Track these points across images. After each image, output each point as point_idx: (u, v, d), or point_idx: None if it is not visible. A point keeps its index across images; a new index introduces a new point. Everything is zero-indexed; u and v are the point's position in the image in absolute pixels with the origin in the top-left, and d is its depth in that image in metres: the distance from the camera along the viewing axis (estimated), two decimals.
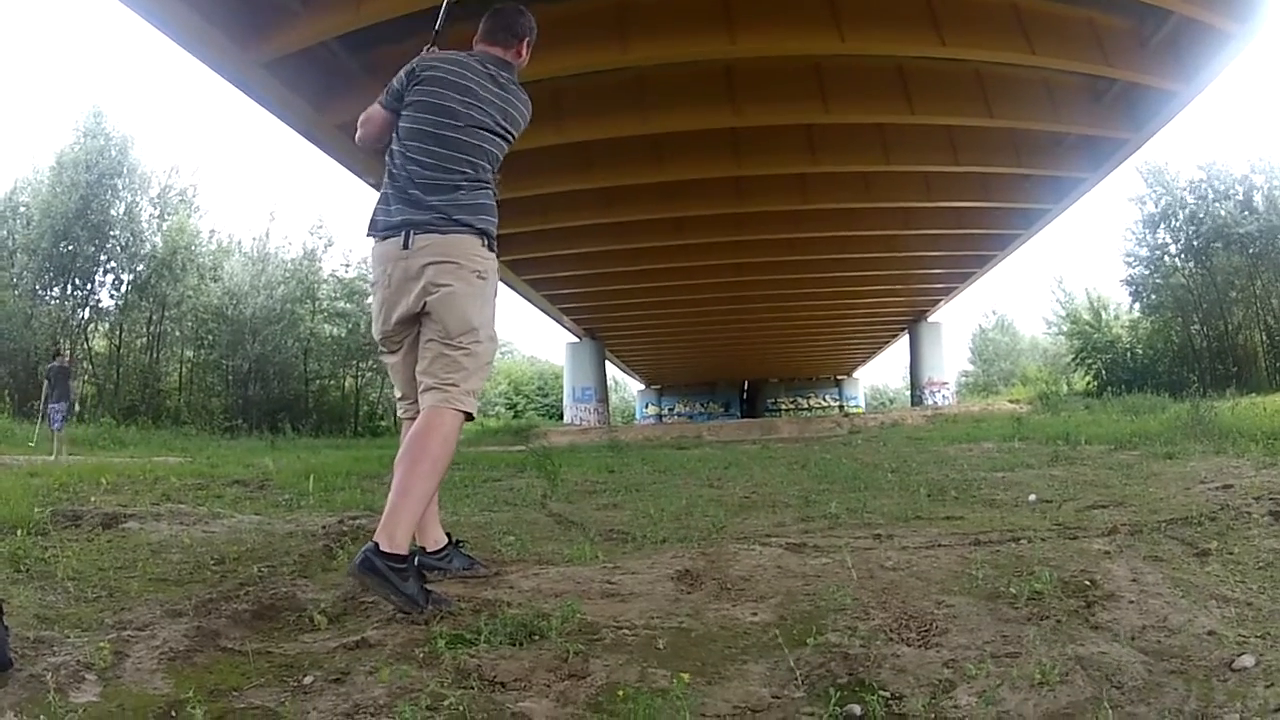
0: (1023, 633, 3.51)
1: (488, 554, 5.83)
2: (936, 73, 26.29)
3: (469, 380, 4.65)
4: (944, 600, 4.05)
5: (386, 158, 4.97)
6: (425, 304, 4.66)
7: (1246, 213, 44.45)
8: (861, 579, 4.57)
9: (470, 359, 4.66)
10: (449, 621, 3.95)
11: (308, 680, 3.30)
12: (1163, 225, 49.85)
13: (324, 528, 7.13)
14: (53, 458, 19.52)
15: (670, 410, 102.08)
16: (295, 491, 10.96)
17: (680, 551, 5.68)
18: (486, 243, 4.81)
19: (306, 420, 44.51)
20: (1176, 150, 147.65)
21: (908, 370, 68.83)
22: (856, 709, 2.93)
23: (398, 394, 5.21)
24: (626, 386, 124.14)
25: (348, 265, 55.93)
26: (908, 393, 74.23)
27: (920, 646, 3.48)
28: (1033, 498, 7.93)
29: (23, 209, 45.64)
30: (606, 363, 72.53)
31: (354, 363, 54.95)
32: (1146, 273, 51.03)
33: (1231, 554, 4.84)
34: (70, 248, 44.27)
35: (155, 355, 48.62)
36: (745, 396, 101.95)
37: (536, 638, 3.70)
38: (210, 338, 50.26)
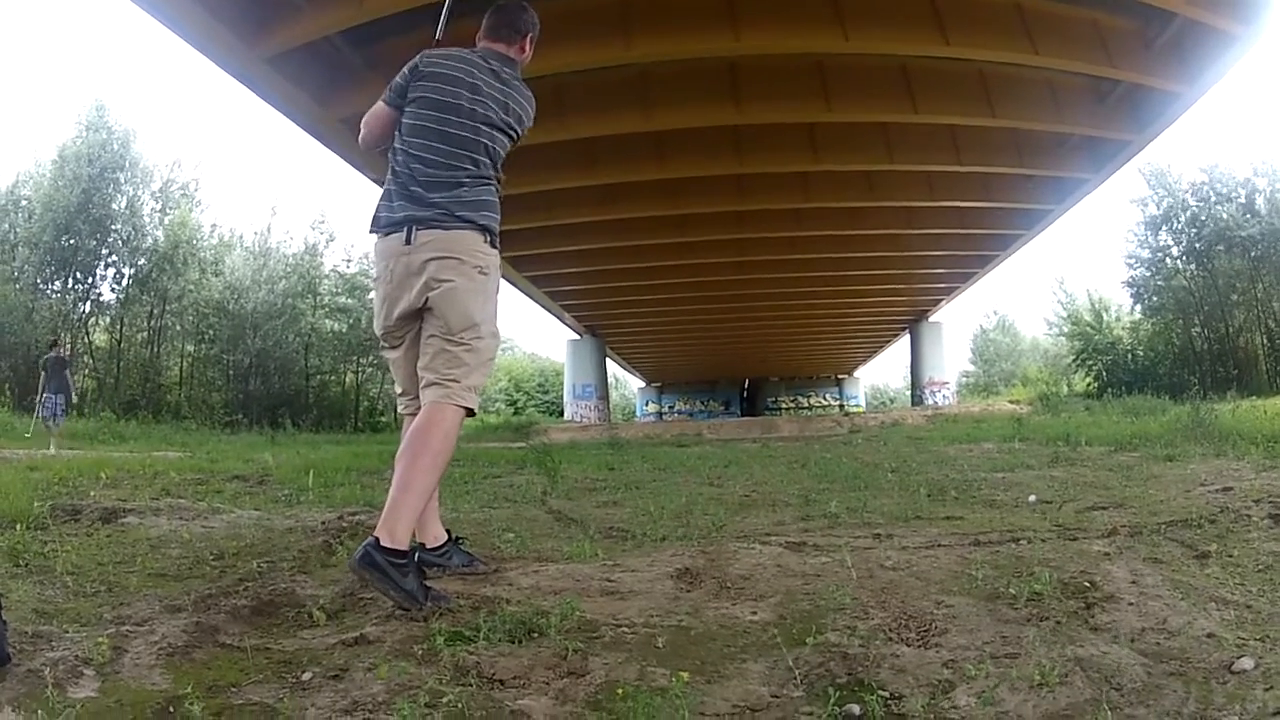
0: (1022, 633, 3.51)
1: (487, 551, 5.83)
2: (940, 72, 26.28)
3: (470, 376, 4.65)
4: (943, 600, 4.05)
5: (389, 155, 4.97)
6: (427, 299, 4.66)
7: (1248, 216, 44.42)
8: (861, 578, 4.58)
9: (472, 355, 4.66)
10: (448, 618, 3.95)
11: (306, 676, 3.30)
12: (1165, 227, 49.82)
13: (323, 523, 7.13)
14: (51, 451, 19.51)
15: (671, 408, 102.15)
16: (295, 487, 10.95)
17: (680, 550, 5.68)
18: (489, 239, 4.81)
19: (307, 416, 44.47)
20: (1179, 152, 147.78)
21: (908, 370, 68.83)
22: (855, 709, 2.93)
23: (399, 390, 5.20)
24: (627, 384, 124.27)
25: (349, 260, 56.04)
26: (908, 392, 74.27)
27: (920, 646, 3.48)
28: (1033, 499, 7.93)
29: (24, 202, 45.65)
30: (607, 360, 72.54)
31: (355, 358, 54.95)
32: (1148, 274, 51.00)
33: (1231, 556, 4.85)
34: (72, 241, 44.33)
35: (156, 350, 48.63)
36: (746, 395, 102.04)
37: (535, 635, 3.70)
38: (211, 332, 50.25)
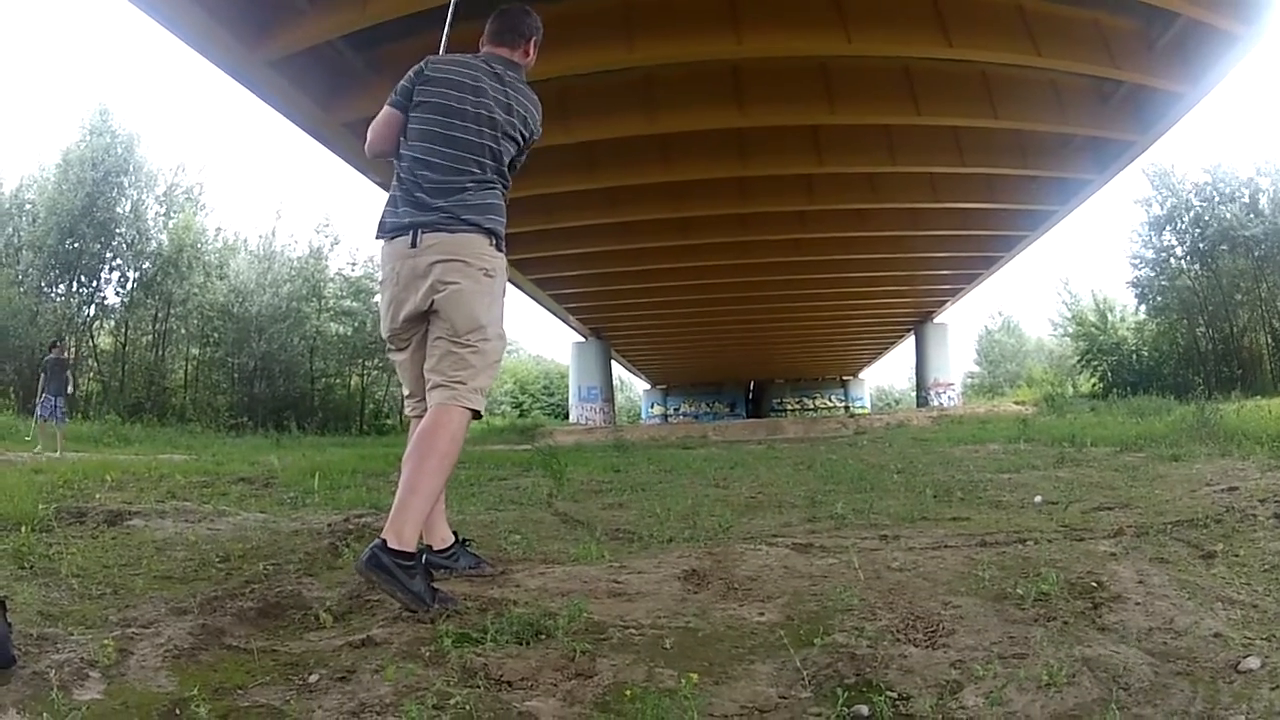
0: (1029, 634, 3.51)
1: (494, 553, 5.83)
2: (943, 74, 26.30)
3: (477, 378, 4.65)
4: (951, 601, 4.04)
5: (395, 161, 4.97)
6: (433, 302, 4.67)
7: (1252, 215, 44.42)
8: (868, 579, 4.57)
9: (478, 357, 4.66)
10: (455, 620, 3.94)
11: (313, 679, 3.29)
12: (1168, 228, 49.85)
13: (329, 526, 7.14)
14: (57, 454, 19.52)
15: (676, 410, 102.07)
16: (300, 489, 10.97)
17: (687, 551, 5.67)
18: (494, 242, 4.82)
19: (312, 418, 44.50)
20: (1183, 152, 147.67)
21: (913, 371, 68.82)
22: (864, 710, 2.92)
23: (405, 392, 5.20)
24: (632, 386, 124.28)
25: (354, 264, 56.08)
26: (913, 394, 74.35)
27: (927, 647, 3.47)
28: (1038, 499, 7.92)
29: (29, 206, 45.77)
30: (612, 362, 72.51)
31: (360, 361, 55.01)
32: (1152, 275, 51.01)
33: (1237, 556, 4.86)
34: (76, 245, 44.46)
35: (161, 353, 48.74)
36: (751, 397, 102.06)
37: (543, 637, 3.69)
38: (216, 335, 50.33)
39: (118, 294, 48.06)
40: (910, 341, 68.93)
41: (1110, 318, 56.66)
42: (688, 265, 44.04)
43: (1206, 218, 46.90)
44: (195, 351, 51.11)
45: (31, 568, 5.37)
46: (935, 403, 58.01)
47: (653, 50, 23.24)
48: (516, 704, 3.04)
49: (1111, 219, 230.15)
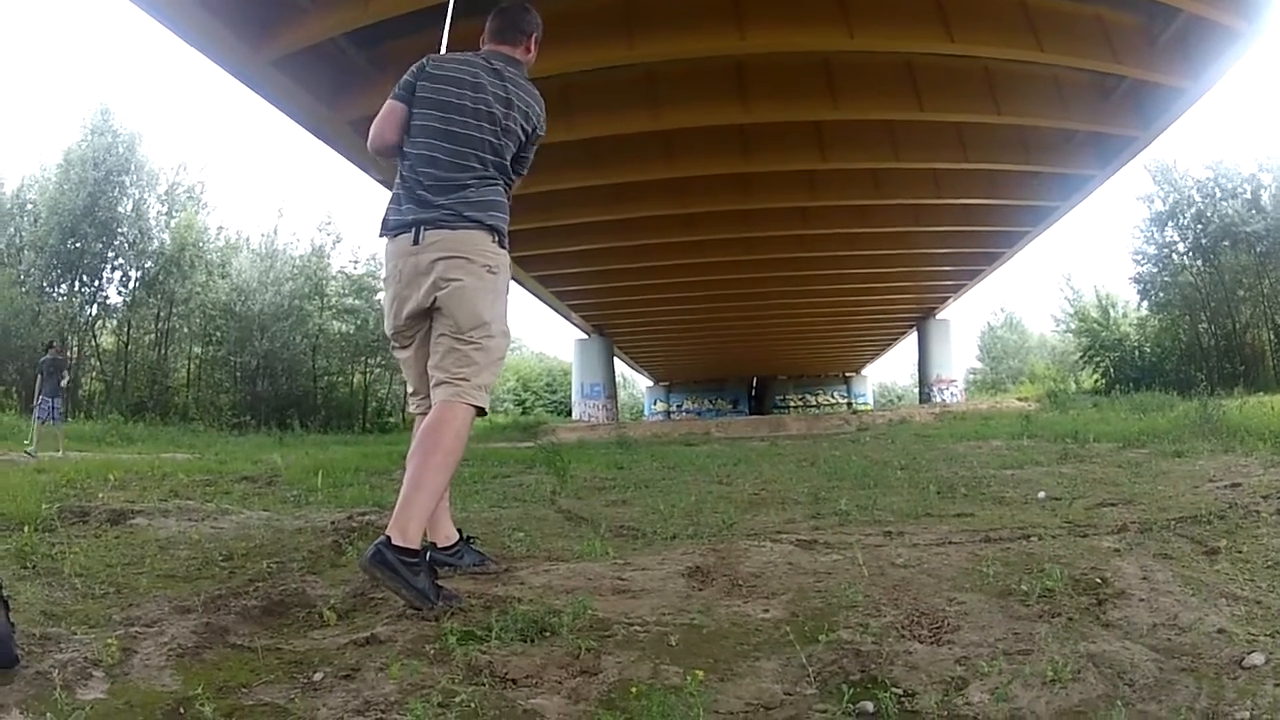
0: (1034, 630, 3.50)
1: (498, 550, 5.83)
2: (945, 69, 26.32)
3: (480, 375, 4.65)
4: (955, 597, 4.04)
5: (398, 160, 4.97)
6: (435, 299, 4.67)
7: (1254, 211, 44.38)
8: (873, 576, 4.57)
9: (481, 353, 4.66)
10: (460, 618, 3.94)
11: (317, 677, 3.29)
12: (1171, 223, 49.78)
13: (333, 524, 7.13)
14: (59, 453, 19.52)
15: (679, 407, 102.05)
16: (304, 488, 10.97)
17: (691, 548, 5.67)
18: (497, 239, 4.82)
19: (315, 417, 44.38)
20: (1185, 148, 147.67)
21: (916, 367, 68.91)
22: (869, 706, 2.92)
23: (410, 389, 5.21)
24: (635, 383, 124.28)
25: (356, 262, 56.19)
26: (916, 390, 74.39)
27: (932, 643, 3.47)
28: (1042, 495, 7.93)
29: (30, 206, 45.94)
30: (615, 359, 72.59)
31: (362, 359, 55.04)
32: (1155, 271, 50.98)
33: (1240, 552, 4.85)
34: (78, 245, 44.58)
35: (163, 352, 48.86)
36: (754, 393, 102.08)
37: (548, 634, 3.70)
38: (218, 334, 50.41)
39: (120, 293, 48.34)
40: (913, 338, 69.12)
41: (1113, 314, 56.58)
42: (691, 261, 44.14)
43: (1209, 214, 46.88)
44: (198, 350, 51.25)
45: (34, 567, 5.37)
46: (938, 399, 58.00)
47: (656, 46, 23.29)
48: (521, 701, 3.04)
49: (1114, 215, 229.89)
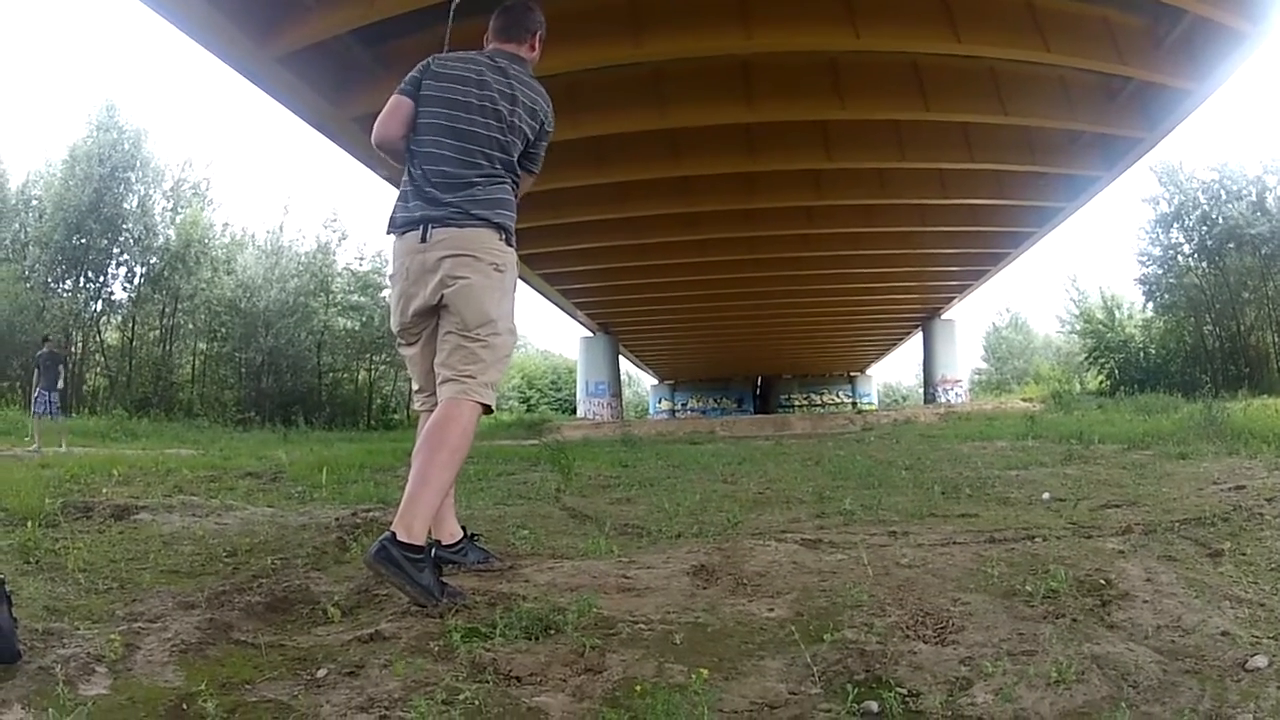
0: (1039, 631, 3.51)
1: (502, 548, 5.83)
2: (952, 70, 26.30)
3: (486, 372, 4.66)
4: (960, 598, 4.05)
5: (406, 159, 4.98)
6: (442, 296, 4.68)
7: (1259, 214, 44.34)
8: (877, 575, 4.57)
9: (488, 351, 4.67)
10: (464, 615, 3.94)
11: (321, 673, 3.29)
12: (1176, 225, 49.79)
13: (337, 520, 7.12)
14: (63, 448, 19.51)
15: (683, 405, 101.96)
16: (308, 484, 10.98)
17: (695, 546, 5.67)
18: (504, 237, 4.83)
19: (319, 413, 44.37)
20: (1190, 150, 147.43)
21: (921, 367, 68.91)
22: (874, 706, 2.93)
23: (415, 386, 5.22)
24: (640, 381, 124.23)
25: (361, 259, 56.26)
26: (921, 390, 74.36)
27: (937, 644, 3.47)
28: (1047, 496, 7.92)
29: (35, 202, 46.13)
30: (620, 358, 72.59)
31: (367, 356, 55.13)
32: (1160, 272, 51.00)
33: (1244, 555, 4.86)
34: (83, 241, 44.66)
35: (168, 348, 48.96)
36: (758, 392, 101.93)
37: (552, 632, 3.70)
38: (223, 330, 50.52)
39: (125, 289, 48.50)
40: (918, 338, 69.06)
41: (1118, 315, 56.55)
42: (696, 260, 44.12)
43: (1214, 216, 46.90)
44: (203, 346, 51.34)
45: (38, 562, 5.38)
46: (943, 399, 57.95)
47: (662, 45, 23.28)
48: (526, 699, 3.04)
49: (1119, 216, 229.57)
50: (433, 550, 4.42)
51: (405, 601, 4.15)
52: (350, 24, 21.20)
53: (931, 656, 3.32)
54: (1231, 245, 45.35)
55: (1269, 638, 3.41)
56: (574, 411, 74.84)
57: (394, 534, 4.15)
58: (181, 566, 5.49)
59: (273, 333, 49.34)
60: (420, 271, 4.71)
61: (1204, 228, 47.40)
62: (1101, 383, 51.44)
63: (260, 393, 48.47)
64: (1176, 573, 4.39)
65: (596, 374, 66.10)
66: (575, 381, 74.70)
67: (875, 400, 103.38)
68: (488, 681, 3.15)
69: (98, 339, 46.90)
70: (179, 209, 50.38)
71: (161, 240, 48.71)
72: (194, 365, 51.17)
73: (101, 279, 46.85)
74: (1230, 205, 46.16)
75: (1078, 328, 61.80)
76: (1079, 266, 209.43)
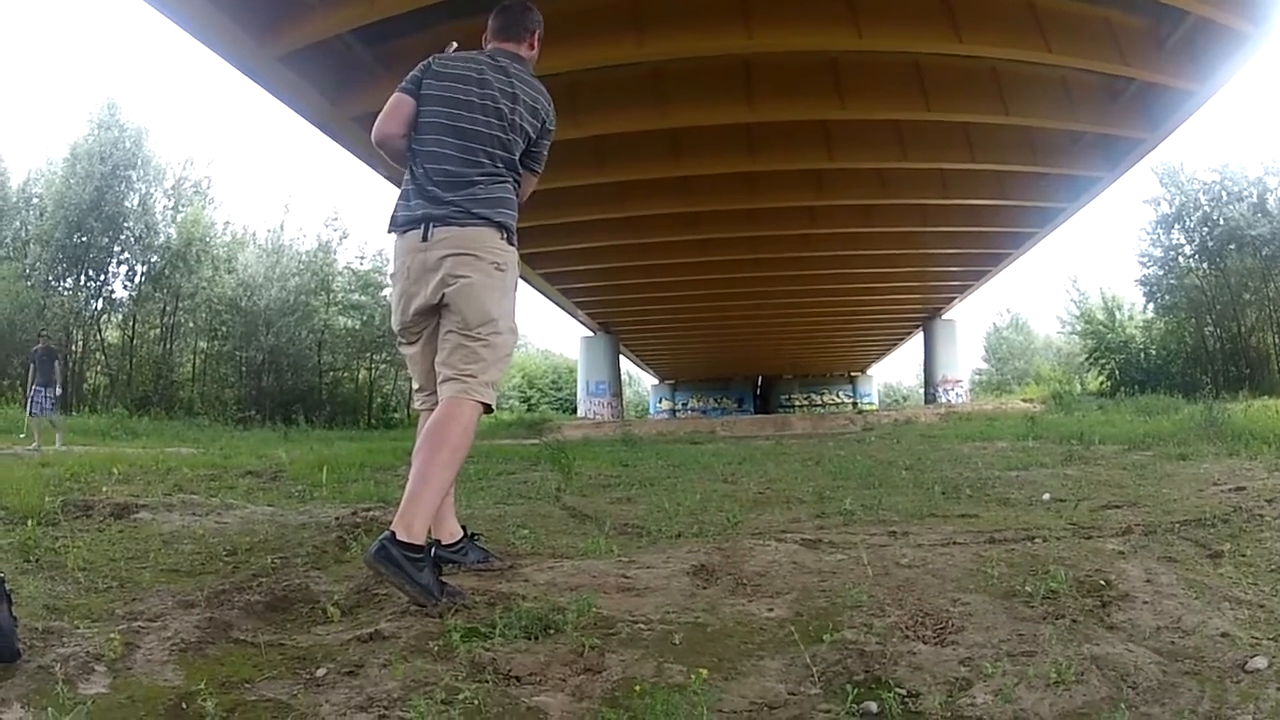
0: (1039, 631, 3.51)
1: (502, 547, 5.83)
2: (953, 70, 26.29)
3: (487, 371, 4.67)
4: (960, 598, 4.05)
5: (407, 158, 4.98)
6: (443, 295, 4.68)
7: (1260, 215, 44.38)
8: (877, 576, 4.57)
9: (489, 350, 4.67)
10: (463, 614, 3.94)
11: (320, 672, 3.29)
12: (1177, 226, 49.81)
13: (337, 519, 7.12)
14: (59, 445, 19.48)
15: (684, 405, 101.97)
16: (308, 483, 10.99)
17: (695, 546, 5.67)
18: (505, 236, 4.84)
19: (320, 412, 44.34)
20: (1191, 151, 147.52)
21: (922, 368, 68.90)
22: (873, 706, 2.93)
23: (416, 385, 5.23)
24: (640, 381, 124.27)
25: (362, 257, 56.30)
26: (921, 390, 74.33)
27: (936, 644, 3.47)
28: (1047, 497, 7.93)
29: (36, 200, 46.19)
30: (620, 357, 72.59)
31: (368, 355, 55.15)
32: (1160, 273, 51.03)
33: (1244, 556, 4.87)
34: (84, 239, 44.70)
35: (169, 346, 48.98)
36: (759, 392, 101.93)
37: (552, 631, 3.70)
38: (224, 329, 50.52)
39: (125, 288, 48.52)
40: (918, 338, 69.03)
41: (1118, 316, 56.60)
42: (696, 260, 44.12)
43: (1215, 217, 46.94)
44: (203, 345, 51.36)
45: (37, 561, 5.38)
46: (943, 399, 57.92)
47: (663, 45, 23.26)
48: (525, 699, 3.04)
49: (1120, 217, 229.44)
50: (432, 550, 4.42)
51: (405, 601, 4.15)
52: (351, 23, 21.21)
53: (931, 657, 3.32)
54: (1232, 246, 45.38)
55: (1269, 639, 3.41)
56: (574, 411, 74.86)
57: (394, 533, 4.15)
58: (181, 565, 5.50)
59: (273, 331, 49.33)
60: (421, 270, 4.72)
61: (1205, 229, 47.44)
62: (1102, 383, 51.49)
63: (261, 391, 48.49)
64: (1176, 574, 4.39)
65: (597, 373, 66.09)
66: (576, 381, 74.77)
67: (876, 400, 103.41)
68: (487, 681, 3.15)
69: (98, 337, 46.94)
70: (180, 207, 50.43)
71: (162, 239, 48.73)
72: (194, 364, 51.19)
73: (102, 277, 46.94)
74: (1231, 206, 46.20)
75: (1078, 328, 61.87)
76: (1080, 267, 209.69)
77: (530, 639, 3.62)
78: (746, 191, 35.42)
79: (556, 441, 20.82)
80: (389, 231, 4.94)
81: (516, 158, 5.01)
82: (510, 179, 4.97)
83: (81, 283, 45.94)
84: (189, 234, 49.00)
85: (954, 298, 59.61)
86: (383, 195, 63.18)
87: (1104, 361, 53.42)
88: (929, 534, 5.90)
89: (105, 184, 45.05)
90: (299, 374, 51.33)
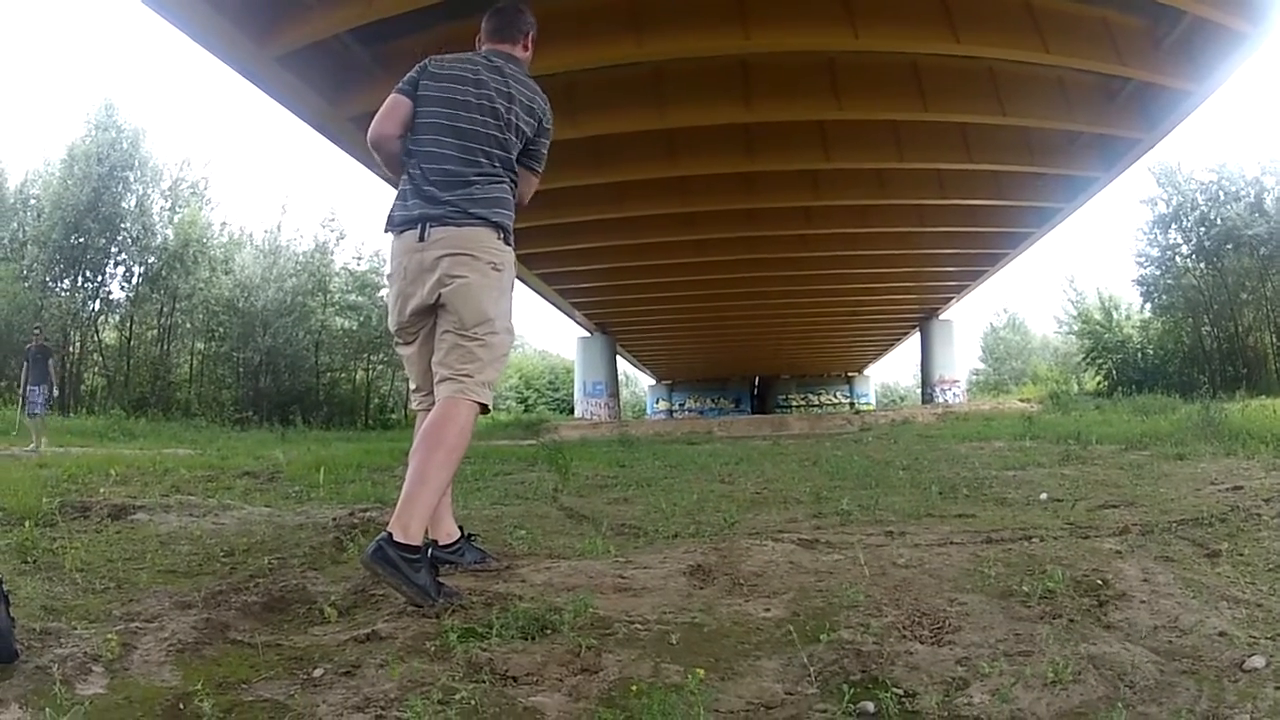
0: (1035, 631, 3.51)
1: (499, 548, 5.83)
2: (950, 70, 26.30)
3: (484, 371, 4.67)
4: (957, 598, 4.05)
5: (404, 157, 4.98)
6: (440, 295, 4.69)
7: (1257, 215, 44.30)
8: (874, 576, 4.57)
9: (485, 350, 4.68)
10: (460, 615, 3.95)
11: (317, 673, 3.30)
12: (1174, 226, 49.72)
13: (334, 520, 7.13)
14: (32, 447, 19.37)
15: (681, 406, 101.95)
16: (305, 484, 10.99)
17: (692, 546, 5.67)
18: (502, 236, 4.85)
19: (317, 413, 44.28)
20: (1188, 151, 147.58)
21: (919, 368, 69.03)
22: (870, 706, 2.93)
23: (413, 386, 5.23)
24: (637, 381, 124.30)
25: (359, 258, 56.12)
26: (918, 390, 74.50)
27: (933, 644, 3.47)
28: (1044, 496, 7.93)
29: (34, 201, 46.09)
30: (618, 358, 72.62)
31: (365, 356, 55.00)
32: (1158, 273, 50.95)
33: (1242, 555, 4.87)
34: (81, 240, 44.59)
35: (166, 347, 48.88)
36: (756, 393, 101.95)
37: (549, 632, 3.70)
38: (221, 330, 50.35)
39: (123, 289, 48.42)
40: (916, 338, 69.09)
41: (1115, 316, 56.55)
42: (694, 260, 44.12)
43: (1212, 216, 46.84)
44: (200, 346, 51.22)
45: (35, 562, 5.39)
46: (940, 399, 57.99)
47: (661, 45, 23.27)
48: (522, 699, 3.04)
49: (1117, 217, 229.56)
50: (429, 550, 4.42)
51: (402, 601, 4.15)
52: (349, 23, 21.20)
53: (928, 657, 3.32)
54: (1229, 246, 45.33)
55: (1266, 638, 3.41)
56: (571, 412, 74.84)
57: (390, 534, 4.16)
58: (178, 566, 5.51)
59: (270, 332, 49.21)
60: (418, 270, 4.72)
61: (1202, 229, 47.36)
62: (1099, 383, 51.48)
63: (258, 392, 48.40)
64: (1174, 573, 4.39)
65: (594, 374, 66.12)
66: (573, 382, 74.61)
67: (873, 400, 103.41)
68: (484, 681, 3.15)
69: (95, 338, 46.84)
70: (177, 208, 50.34)
71: (159, 240, 48.66)
72: (192, 365, 51.08)
73: (99, 278, 46.80)
74: (1228, 206, 46.13)
75: (1075, 328, 61.80)
76: (1077, 267, 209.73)
77: (527, 639, 3.62)
78: (744, 192, 35.43)
79: (553, 442, 20.82)
80: (386, 231, 4.95)
81: (513, 157, 5.02)
82: (507, 179, 4.98)
83: (79, 284, 45.82)
84: (186, 235, 48.92)
85: (951, 298, 59.65)
86: (379, 196, 63.22)
87: (1101, 361, 53.41)
88: (926, 534, 5.90)
89: (102, 185, 44.95)
90: (296, 375, 51.24)
